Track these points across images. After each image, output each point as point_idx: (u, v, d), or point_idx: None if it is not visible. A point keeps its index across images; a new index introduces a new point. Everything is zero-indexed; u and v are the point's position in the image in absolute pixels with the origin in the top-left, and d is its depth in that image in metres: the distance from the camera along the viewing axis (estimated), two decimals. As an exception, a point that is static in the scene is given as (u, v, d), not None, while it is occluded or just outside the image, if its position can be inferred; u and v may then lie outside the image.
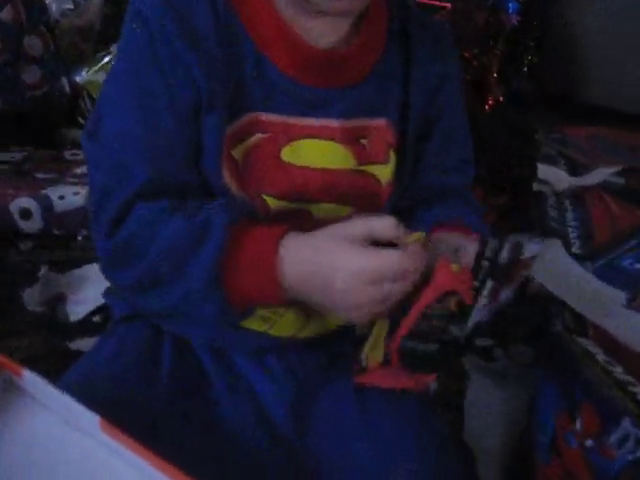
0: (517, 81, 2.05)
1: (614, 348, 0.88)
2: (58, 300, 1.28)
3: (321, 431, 0.65)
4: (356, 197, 0.68)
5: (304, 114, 0.65)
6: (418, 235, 0.56)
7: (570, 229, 1.22)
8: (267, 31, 0.63)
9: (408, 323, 0.56)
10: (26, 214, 1.40)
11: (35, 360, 1.11)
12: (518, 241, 0.56)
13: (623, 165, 1.36)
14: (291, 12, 0.63)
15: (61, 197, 1.42)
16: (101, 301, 1.13)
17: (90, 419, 0.42)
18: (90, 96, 1.86)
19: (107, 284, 0.72)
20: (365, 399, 0.66)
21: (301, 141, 0.64)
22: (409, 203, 0.75)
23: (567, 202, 1.30)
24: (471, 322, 0.57)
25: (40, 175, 1.50)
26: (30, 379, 0.45)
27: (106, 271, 0.64)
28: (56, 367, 0.69)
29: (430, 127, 0.73)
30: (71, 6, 2.07)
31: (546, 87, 2.06)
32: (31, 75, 1.75)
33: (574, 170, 1.41)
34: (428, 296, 0.55)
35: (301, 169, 0.64)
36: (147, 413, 0.60)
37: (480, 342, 1.23)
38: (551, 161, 1.45)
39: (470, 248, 0.58)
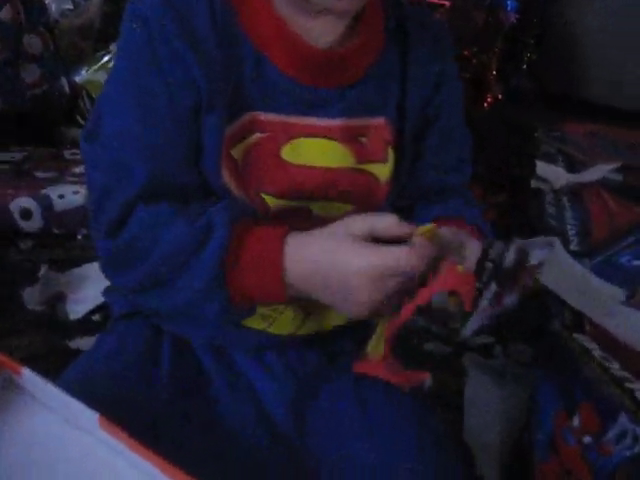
0: (516, 79, 2.05)
1: (610, 345, 0.88)
2: (58, 299, 1.28)
3: (321, 429, 0.65)
4: (355, 195, 0.68)
5: (304, 113, 0.65)
6: (428, 227, 0.56)
7: (568, 226, 1.22)
8: (266, 31, 0.63)
9: (405, 316, 0.56)
10: (26, 214, 1.40)
11: (35, 359, 1.11)
12: (524, 247, 0.55)
13: (622, 162, 1.36)
14: (290, 12, 0.63)
15: (61, 196, 1.42)
16: (101, 300, 1.13)
17: (89, 417, 0.42)
18: (89, 95, 1.86)
19: (107, 283, 0.72)
20: (365, 398, 0.66)
21: (301, 140, 0.65)
22: (409, 202, 0.75)
23: (565, 199, 1.30)
24: (471, 326, 0.57)
25: (40, 174, 1.50)
26: (29, 378, 0.45)
27: (106, 270, 0.64)
28: (56, 366, 0.69)
29: (428, 126, 0.73)
30: (70, 6, 2.07)
31: (545, 85, 2.06)
32: (30, 74, 1.75)
33: (572, 167, 1.41)
34: (430, 291, 0.54)
35: (301, 168, 0.65)
36: (147, 411, 0.60)
37: (480, 339, 1.23)
38: (550, 159, 1.46)
39: (474, 245, 0.58)
